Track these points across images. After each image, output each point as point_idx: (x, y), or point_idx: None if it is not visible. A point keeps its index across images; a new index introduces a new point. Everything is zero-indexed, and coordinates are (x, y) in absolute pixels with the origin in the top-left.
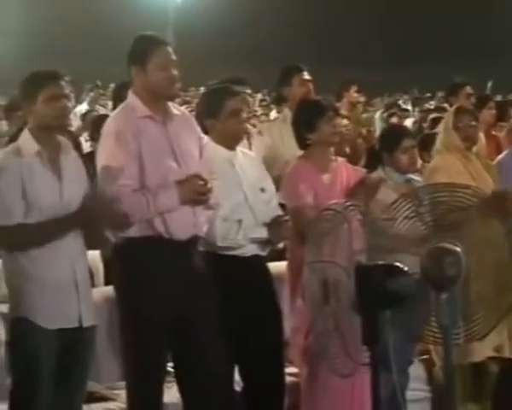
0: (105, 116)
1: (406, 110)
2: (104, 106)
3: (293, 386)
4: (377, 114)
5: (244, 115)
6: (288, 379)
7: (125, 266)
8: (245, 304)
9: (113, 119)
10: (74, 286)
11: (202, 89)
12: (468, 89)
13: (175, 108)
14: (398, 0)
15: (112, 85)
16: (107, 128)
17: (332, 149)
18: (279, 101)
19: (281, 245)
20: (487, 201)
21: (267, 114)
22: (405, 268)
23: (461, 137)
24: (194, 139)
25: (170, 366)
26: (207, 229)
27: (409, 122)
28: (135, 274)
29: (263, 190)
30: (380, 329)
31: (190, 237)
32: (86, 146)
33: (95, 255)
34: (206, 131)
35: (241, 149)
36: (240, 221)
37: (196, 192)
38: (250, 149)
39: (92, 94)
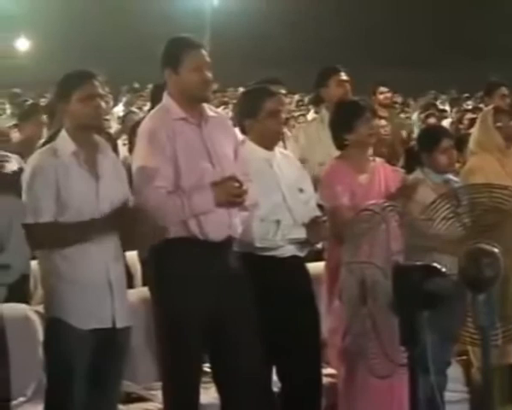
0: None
1: (444, 111)
2: (141, 108)
3: (331, 387)
4: (414, 115)
5: (282, 116)
6: (326, 380)
7: (161, 267)
8: (283, 305)
9: (148, 120)
10: (108, 287)
11: (240, 90)
12: (504, 89)
13: (210, 109)
14: (433, 1)
15: (149, 87)
16: (143, 130)
17: (369, 150)
18: (317, 102)
19: (319, 246)
20: None
21: (304, 115)
22: (443, 269)
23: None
24: (230, 141)
25: (207, 367)
26: (245, 230)
27: (446, 123)
28: (170, 275)
29: (301, 190)
30: (417, 330)
31: (225, 238)
32: (123, 150)
33: (133, 256)
34: (244, 132)
35: (279, 149)
36: (278, 222)
37: (231, 194)
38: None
39: (128, 95)
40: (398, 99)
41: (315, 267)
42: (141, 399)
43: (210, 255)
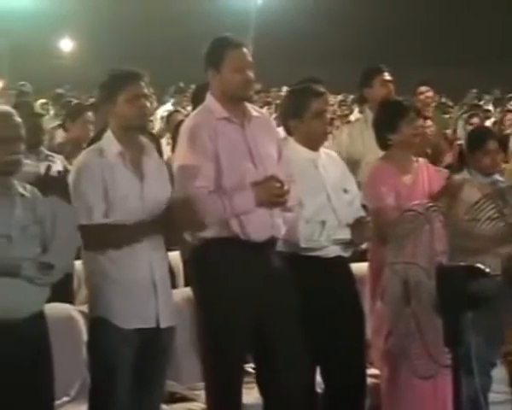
0: None
1: (487, 111)
2: (185, 107)
3: (375, 388)
4: (458, 115)
5: (328, 116)
6: (370, 381)
7: (203, 266)
8: (327, 305)
9: (190, 120)
10: (152, 286)
11: (284, 90)
12: None
13: (254, 109)
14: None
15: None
16: (185, 129)
17: (413, 150)
18: (360, 102)
19: (363, 246)
20: None
21: (348, 115)
22: (487, 269)
23: None
24: (273, 141)
25: (250, 367)
26: (290, 230)
27: (489, 123)
28: (212, 275)
29: (346, 190)
30: (461, 330)
31: (267, 238)
32: (167, 149)
33: (175, 256)
34: (289, 132)
35: (324, 149)
36: (323, 222)
37: (272, 194)
38: None
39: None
40: (442, 99)
41: (359, 268)
42: (184, 399)
43: (252, 256)
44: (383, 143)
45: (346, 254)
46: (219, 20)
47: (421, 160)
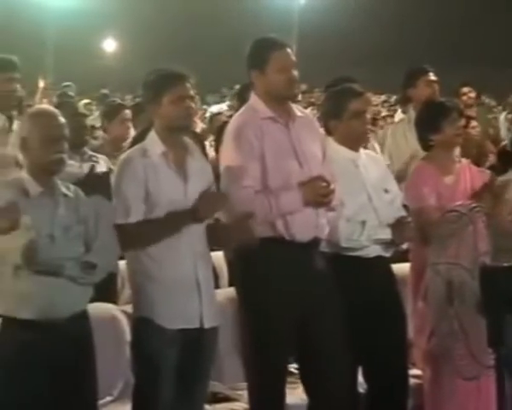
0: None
1: None
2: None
3: (417, 388)
4: (502, 115)
5: (368, 116)
6: (412, 381)
7: (247, 267)
8: (369, 305)
9: (236, 120)
10: (196, 287)
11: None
12: None
13: (298, 109)
14: None
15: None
16: (230, 129)
17: (456, 151)
18: (404, 102)
19: (404, 246)
20: None
21: (392, 116)
22: None
23: None
24: (317, 141)
25: (294, 367)
26: (331, 230)
27: None
28: (257, 275)
29: (386, 190)
30: (505, 331)
31: (312, 238)
32: (210, 150)
33: (219, 256)
34: (329, 132)
35: (364, 149)
36: (364, 222)
37: (318, 194)
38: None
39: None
40: (485, 99)
41: (400, 268)
42: (227, 399)
43: (296, 256)
44: (425, 144)
45: (387, 254)
46: (262, 19)
47: (463, 160)
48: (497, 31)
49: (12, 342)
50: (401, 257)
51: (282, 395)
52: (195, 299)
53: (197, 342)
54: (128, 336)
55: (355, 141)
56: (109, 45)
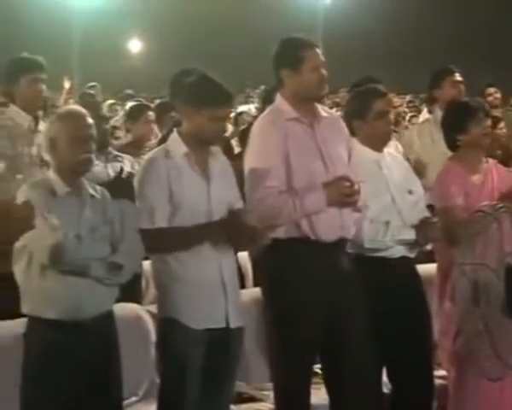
0: None
1: None
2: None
3: (442, 389)
4: None
5: (391, 117)
6: (437, 382)
7: (273, 267)
8: (394, 306)
9: (260, 121)
10: (222, 287)
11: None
12: None
13: (323, 110)
14: None
15: (261, 87)
16: (255, 130)
17: (482, 151)
18: (430, 102)
19: (429, 247)
20: None
21: (416, 116)
22: None
23: None
24: (343, 141)
25: (318, 368)
26: (355, 231)
27: None
28: (282, 275)
29: (410, 191)
30: None
31: (337, 238)
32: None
33: (244, 256)
34: (353, 133)
35: (388, 150)
36: (387, 223)
37: (343, 194)
38: None
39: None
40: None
41: (424, 269)
42: (252, 399)
43: (322, 256)
44: (452, 144)
45: (412, 255)
46: (287, 20)
47: (490, 160)
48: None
49: (38, 342)
50: (426, 258)
51: (308, 396)
52: (221, 299)
53: (223, 342)
54: (153, 336)
55: (379, 141)
56: (135, 46)
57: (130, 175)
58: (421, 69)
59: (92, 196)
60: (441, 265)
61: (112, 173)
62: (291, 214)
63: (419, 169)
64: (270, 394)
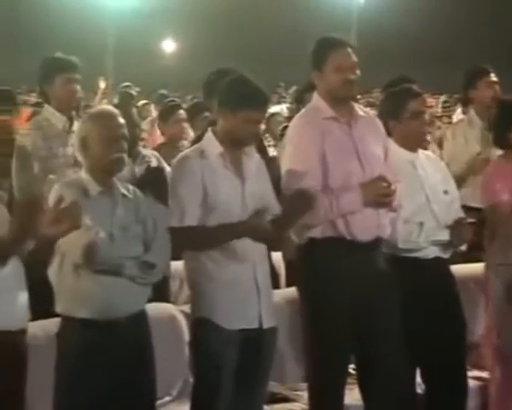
0: None
1: None
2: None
3: (479, 389)
4: None
5: (426, 117)
6: (472, 383)
7: (308, 266)
8: (428, 306)
9: (297, 121)
10: (255, 287)
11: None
12: None
13: (361, 109)
14: None
15: (293, 88)
16: (291, 131)
17: None
18: (464, 103)
19: (463, 248)
20: None
21: (450, 117)
22: None
23: None
24: (379, 141)
25: (351, 368)
26: (390, 231)
27: None
28: (318, 275)
29: (445, 191)
30: None
31: (373, 238)
32: (269, 150)
33: (278, 256)
34: (388, 133)
35: (422, 150)
36: (421, 224)
37: (379, 194)
38: None
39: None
40: None
41: (459, 269)
42: (285, 399)
43: (358, 256)
44: (503, 142)
45: (446, 256)
46: (322, 20)
47: None
48: None
49: (71, 342)
50: (461, 258)
51: (342, 396)
52: (254, 299)
53: (256, 343)
54: (187, 336)
55: (413, 142)
56: (168, 46)
57: (160, 171)
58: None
59: (124, 196)
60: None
61: (139, 173)
62: (327, 214)
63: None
64: (304, 394)
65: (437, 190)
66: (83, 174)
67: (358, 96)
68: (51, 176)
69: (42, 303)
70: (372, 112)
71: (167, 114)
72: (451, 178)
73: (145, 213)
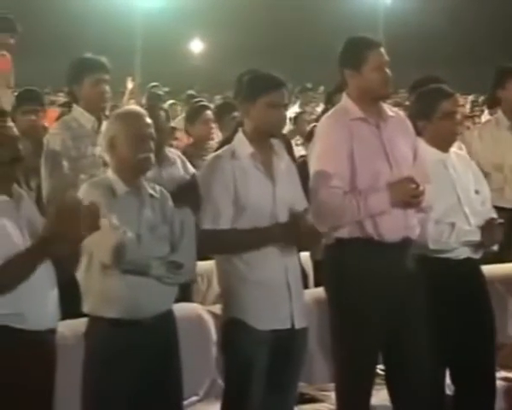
0: None
1: None
2: (313, 109)
3: (506, 390)
4: None
5: (458, 117)
6: (500, 383)
7: (336, 267)
8: (457, 307)
9: (325, 122)
10: (287, 287)
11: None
12: None
13: (389, 109)
14: None
15: (321, 88)
16: (320, 131)
17: None
18: (493, 103)
19: (494, 248)
20: None
21: (479, 116)
22: None
23: None
24: (408, 141)
25: (379, 368)
26: (419, 231)
27: None
28: (346, 275)
29: (477, 192)
30: None
31: (401, 239)
32: (297, 150)
33: (306, 256)
34: (418, 133)
35: (454, 150)
36: (453, 224)
37: (407, 195)
38: None
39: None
40: None
41: (489, 270)
42: (313, 400)
43: (386, 256)
44: None
45: (477, 256)
46: (348, 20)
47: None
48: None
49: (99, 341)
50: (492, 258)
51: (369, 397)
52: (286, 300)
53: (288, 343)
54: (214, 336)
55: (445, 141)
56: (196, 46)
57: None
58: (482, 69)
59: (151, 196)
60: None
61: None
62: (355, 215)
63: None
64: (332, 394)
65: (468, 190)
66: (110, 174)
67: None
68: (82, 176)
69: (69, 303)
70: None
71: (194, 115)
72: (483, 178)
73: (172, 214)
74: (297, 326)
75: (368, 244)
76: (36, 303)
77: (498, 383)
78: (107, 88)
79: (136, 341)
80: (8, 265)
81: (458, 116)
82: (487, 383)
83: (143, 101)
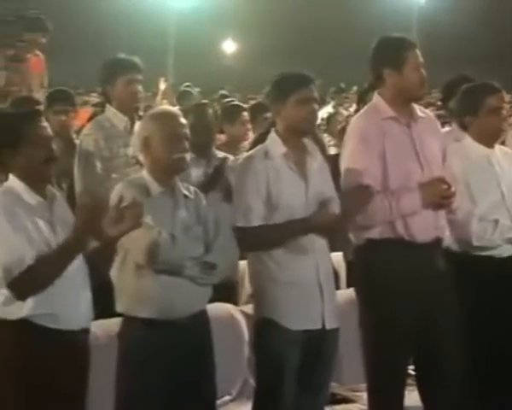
0: None
1: None
2: (347, 109)
3: None
4: None
5: (504, 113)
6: None
7: (367, 267)
8: (500, 306)
9: (357, 121)
10: (318, 288)
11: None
12: None
13: (420, 110)
14: None
15: (354, 88)
16: (351, 130)
17: None
18: None
19: None
20: None
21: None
22: None
23: None
24: (438, 142)
25: (411, 369)
26: (461, 228)
27: None
28: (377, 276)
29: None
30: None
31: (432, 239)
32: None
33: (338, 257)
34: (464, 129)
35: (499, 146)
36: (496, 221)
37: (438, 195)
38: None
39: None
40: None
41: None
42: (345, 400)
43: (417, 257)
44: None
45: None
46: (382, 20)
47: None
48: None
49: (133, 341)
50: None
51: (402, 398)
52: (318, 300)
53: (319, 344)
54: (246, 335)
55: (490, 137)
56: (229, 47)
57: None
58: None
59: (185, 196)
60: None
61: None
62: (387, 215)
63: None
64: (363, 395)
65: None
66: (144, 174)
67: None
68: (114, 175)
69: (102, 303)
70: (432, 113)
71: (233, 115)
72: None
73: (206, 214)
74: (328, 327)
75: (399, 245)
76: (69, 303)
77: None
78: (140, 88)
79: (170, 341)
80: (41, 262)
81: (504, 112)
82: None
83: (174, 100)
